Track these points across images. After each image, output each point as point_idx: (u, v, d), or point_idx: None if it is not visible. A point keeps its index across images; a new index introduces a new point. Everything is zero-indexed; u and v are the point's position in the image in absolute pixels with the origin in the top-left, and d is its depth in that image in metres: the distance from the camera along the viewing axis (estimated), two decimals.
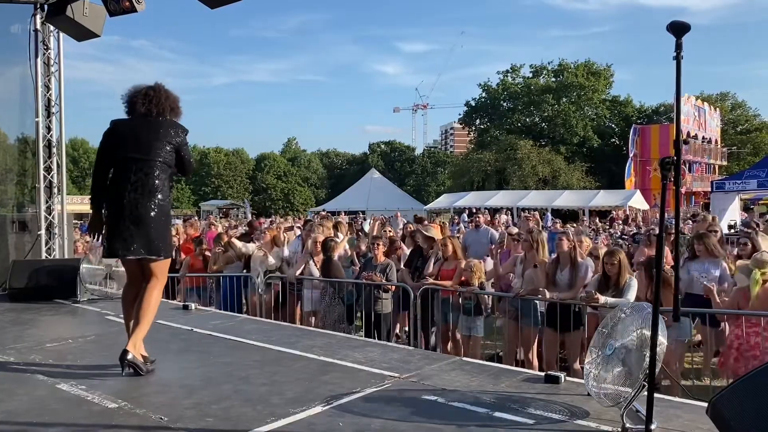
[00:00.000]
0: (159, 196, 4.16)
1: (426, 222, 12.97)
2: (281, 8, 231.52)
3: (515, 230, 10.17)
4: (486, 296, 6.92)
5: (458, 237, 10.76)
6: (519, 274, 6.61)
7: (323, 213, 20.41)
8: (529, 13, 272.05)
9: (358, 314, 7.59)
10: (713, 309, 6.24)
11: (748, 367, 5.37)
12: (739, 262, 6.49)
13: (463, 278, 6.83)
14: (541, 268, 6.40)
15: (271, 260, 8.28)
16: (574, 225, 18.91)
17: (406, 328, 7.97)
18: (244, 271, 8.55)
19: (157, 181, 4.16)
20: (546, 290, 6.10)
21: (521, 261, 6.77)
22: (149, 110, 4.27)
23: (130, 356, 4.01)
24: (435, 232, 8.25)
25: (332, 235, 8.85)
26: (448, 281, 6.98)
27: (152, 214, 4.13)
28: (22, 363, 4.51)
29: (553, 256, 6.73)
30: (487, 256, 9.03)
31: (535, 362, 6.42)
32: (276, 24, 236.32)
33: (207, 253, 9.12)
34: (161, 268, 4.29)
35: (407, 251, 8.57)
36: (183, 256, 9.49)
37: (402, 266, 7.95)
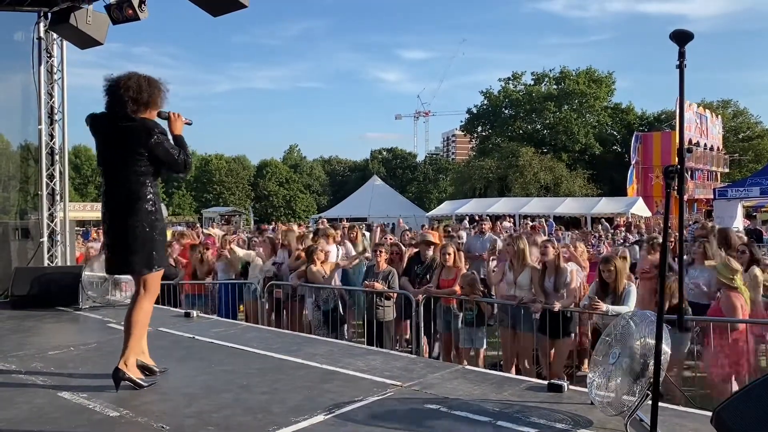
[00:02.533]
0: (140, 209, 3.97)
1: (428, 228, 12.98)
2: (282, 15, 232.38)
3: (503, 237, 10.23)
4: (489, 305, 6.88)
5: (459, 243, 10.80)
6: (511, 281, 6.60)
7: (323, 221, 20.42)
8: (529, 21, 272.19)
9: (354, 322, 7.58)
10: (716, 317, 6.22)
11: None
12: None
13: (460, 291, 6.80)
14: (533, 274, 6.40)
15: (270, 267, 8.29)
16: (576, 231, 18.90)
17: (407, 336, 7.95)
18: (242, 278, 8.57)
19: (137, 193, 3.96)
20: (540, 298, 6.12)
21: (510, 268, 6.75)
22: (118, 111, 3.96)
23: (121, 374, 3.93)
24: (435, 237, 8.29)
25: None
26: (450, 289, 6.96)
27: (133, 228, 3.96)
28: (24, 371, 4.50)
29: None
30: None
31: (533, 369, 6.40)
32: (277, 31, 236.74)
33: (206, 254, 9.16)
34: (148, 282, 4.10)
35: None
36: (182, 261, 9.50)
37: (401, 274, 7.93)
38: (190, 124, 4.34)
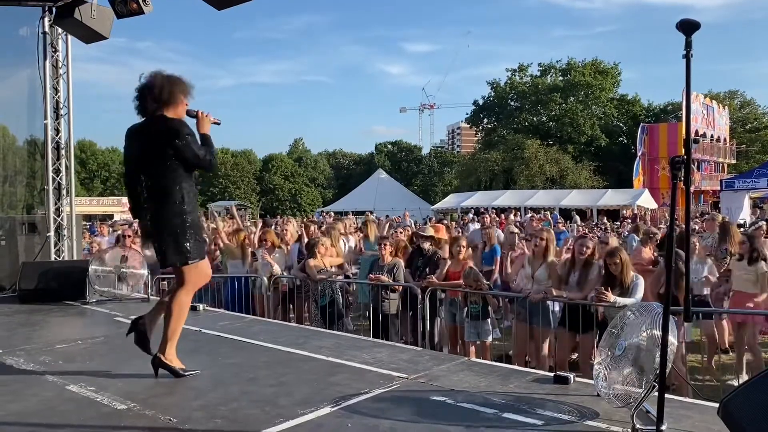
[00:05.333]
0: (170, 203, 4.04)
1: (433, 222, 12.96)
2: (285, 9, 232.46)
3: (515, 229, 10.17)
4: (495, 298, 6.86)
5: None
6: (528, 275, 6.57)
7: (330, 215, 20.48)
8: (534, 14, 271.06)
9: (356, 313, 7.54)
10: (722, 309, 6.21)
11: None
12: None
13: (464, 284, 6.78)
14: (553, 268, 6.35)
15: (277, 268, 8.27)
16: (582, 224, 18.85)
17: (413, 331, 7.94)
18: (247, 270, 8.55)
19: (165, 189, 4.04)
20: (554, 289, 6.07)
21: (529, 261, 6.71)
22: (145, 113, 4.12)
23: (158, 361, 4.11)
24: (432, 231, 8.29)
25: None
26: (456, 282, 6.95)
27: (164, 222, 4.05)
28: (32, 364, 4.53)
29: (566, 256, 6.70)
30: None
31: (547, 363, 6.37)
32: (280, 25, 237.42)
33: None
34: (184, 274, 4.17)
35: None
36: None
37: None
38: (218, 123, 4.40)
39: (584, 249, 6.21)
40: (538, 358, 6.39)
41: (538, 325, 6.29)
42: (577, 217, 21.10)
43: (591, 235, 10.00)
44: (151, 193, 4.10)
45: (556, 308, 6.28)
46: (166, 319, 4.17)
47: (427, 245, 7.71)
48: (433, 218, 25.21)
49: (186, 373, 4.14)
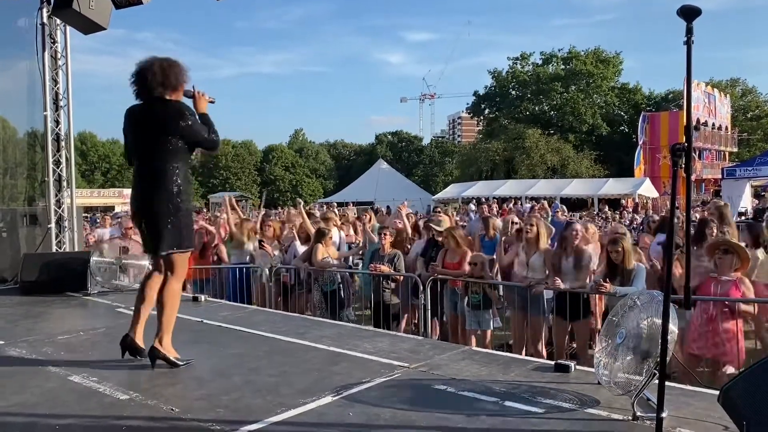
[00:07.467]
0: (166, 190, 4.01)
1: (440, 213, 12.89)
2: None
3: (516, 219, 10.11)
4: (495, 288, 6.86)
5: (464, 226, 10.77)
6: (523, 263, 6.58)
7: (334, 206, 20.50)
8: (534, 2, 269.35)
9: (356, 304, 7.56)
10: (724, 298, 6.18)
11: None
12: None
13: (470, 271, 6.77)
14: (546, 255, 6.37)
15: (276, 260, 8.28)
16: (584, 214, 18.82)
17: (415, 320, 7.96)
18: (247, 258, 8.56)
19: (163, 175, 4.01)
20: (556, 279, 6.07)
21: (523, 249, 6.71)
22: (148, 96, 4.08)
23: (156, 353, 4.09)
24: (448, 224, 8.24)
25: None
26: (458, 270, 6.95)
27: (158, 209, 4.03)
28: (34, 355, 4.55)
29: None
30: None
31: (544, 352, 6.39)
32: (280, 15, 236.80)
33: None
34: (173, 263, 4.17)
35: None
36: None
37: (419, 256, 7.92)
38: (213, 102, 4.39)
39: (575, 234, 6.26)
40: (535, 346, 6.42)
41: (534, 314, 6.32)
42: (564, 206, 21.04)
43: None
44: (146, 177, 4.08)
45: (549, 296, 6.29)
46: (160, 310, 4.16)
47: (442, 237, 7.71)
48: (438, 209, 25.11)
49: (181, 363, 4.14)
